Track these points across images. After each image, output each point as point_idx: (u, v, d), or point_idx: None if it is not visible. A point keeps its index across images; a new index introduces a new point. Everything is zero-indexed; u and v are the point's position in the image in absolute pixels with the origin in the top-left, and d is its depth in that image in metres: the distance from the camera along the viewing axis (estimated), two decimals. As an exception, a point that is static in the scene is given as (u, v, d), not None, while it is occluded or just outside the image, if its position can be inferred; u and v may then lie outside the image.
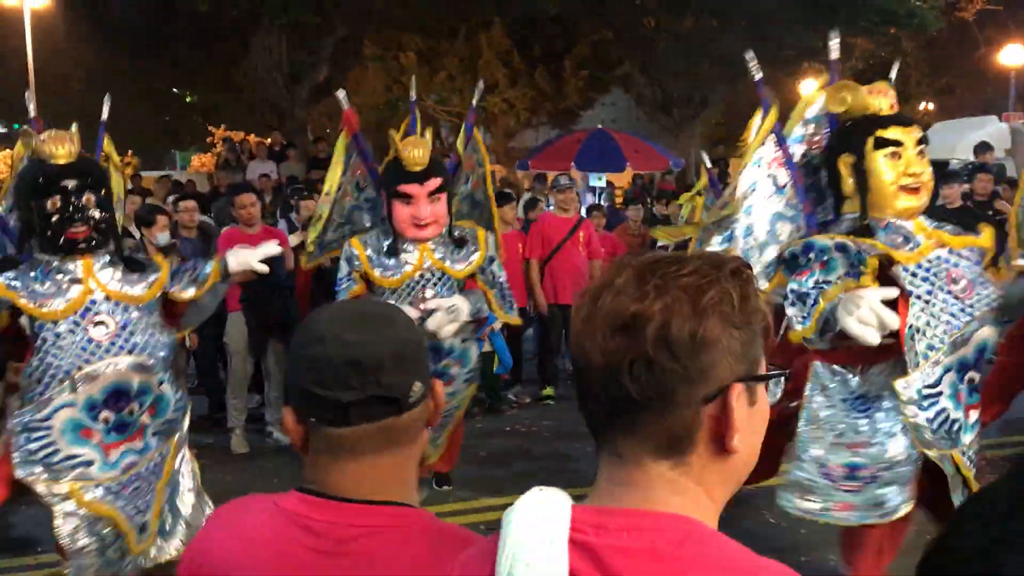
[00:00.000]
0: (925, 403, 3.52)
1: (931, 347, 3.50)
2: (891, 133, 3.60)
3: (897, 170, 3.58)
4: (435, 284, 5.08)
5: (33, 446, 3.65)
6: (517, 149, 21.24)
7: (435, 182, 4.99)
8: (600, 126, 17.42)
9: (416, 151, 4.96)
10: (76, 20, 16.65)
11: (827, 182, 3.82)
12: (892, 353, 3.49)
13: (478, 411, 7.40)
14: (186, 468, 4.05)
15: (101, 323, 3.72)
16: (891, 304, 3.36)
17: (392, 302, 4.83)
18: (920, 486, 3.65)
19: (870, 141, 3.61)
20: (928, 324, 3.49)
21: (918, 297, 3.50)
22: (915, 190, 3.59)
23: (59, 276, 3.72)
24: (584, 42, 19.47)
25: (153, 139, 22.18)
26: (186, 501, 4.03)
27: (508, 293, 5.36)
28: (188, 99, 21.89)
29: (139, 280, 3.84)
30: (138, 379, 3.69)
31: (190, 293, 3.99)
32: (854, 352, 3.49)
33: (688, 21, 16.95)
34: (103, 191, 3.80)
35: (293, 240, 7.13)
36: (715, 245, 3.96)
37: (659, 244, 5.74)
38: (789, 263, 3.64)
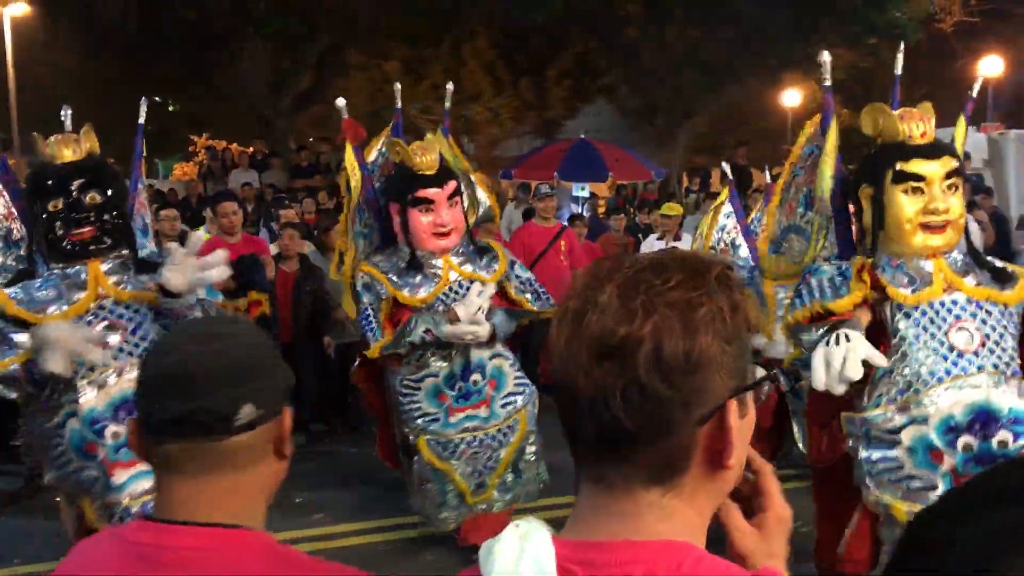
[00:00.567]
0: (873, 442, 3.30)
1: (900, 392, 3.28)
2: (913, 166, 3.32)
3: (917, 207, 3.31)
4: (465, 296, 4.66)
5: (53, 454, 3.53)
6: (501, 158, 21.25)
7: (452, 185, 4.68)
8: (583, 136, 17.48)
9: (427, 156, 4.65)
10: (58, 27, 16.57)
11: (853, 212, 3.61)
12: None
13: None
14: None
15: (111, 327, 3.55)
16: (874, 343, 3.20)
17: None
18: None
19: (889, 174, 3.35)
20: (907, 368, 3.28)
21: (902, 338, 3.29)
22: (939, 228, 3.33)
23: (64, 281, 3.55)
24: (568, 52, 19.53)
25: (134, 147, 22.05)
26: None
27: (541, 289, 5.00)
28: (171, 108, 21.81)
29: (150, 281, 3.61)
30: None
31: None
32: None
33: (672, 31, 17.04)
34: (111, 190, 3.62)
35: (273, 249, 7.12)
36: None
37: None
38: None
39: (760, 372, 1.04)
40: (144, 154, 4.32)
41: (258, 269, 6.69)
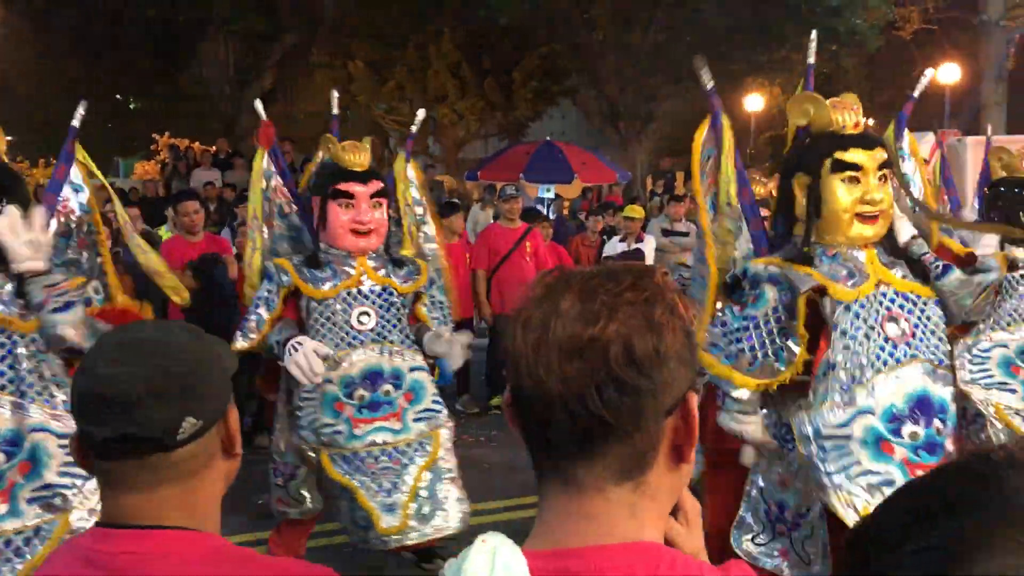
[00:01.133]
0: (827, 443, 3.24)
1: (844, 387, 3.26)
2: (851, 155, 3.29)
3: (854, 196, 3.28)
4: (374, 302, 4.48)
5: None
6: (466, 159, 21.27)
7: (378, 184, 4.47)
8: (549, 138, 17.53)
9: (357, 154, 4.46)
10: (19, 25, 16.31)
11: (779, 200, 3.55)
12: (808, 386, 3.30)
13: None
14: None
15: None
16: (814, 338, 3.23)
17: (328, 318, 4.40)
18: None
19: (827, 163, 3.30)
20: (848, 361, 3.26)
21: (843, 332, 3.27)
22: (872, 218, 3.31)
23: None
24: (533, 54, 19.58)
25: (96, 146, 21.78)
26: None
27: (449, 318, 4.83)
28: (132, 106, 21.55)
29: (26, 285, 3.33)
30: None
31: None
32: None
33: (636, 35, 17.15)
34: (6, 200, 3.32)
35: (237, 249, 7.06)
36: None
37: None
38: (730, 286, 3.47)
39: None
40: (77, 157, 4.12)
41: (219, 268, 6.63)
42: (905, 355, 3.30)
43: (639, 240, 9.02)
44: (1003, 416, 3.81)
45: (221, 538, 1.31)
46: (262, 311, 4.36)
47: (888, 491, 3.03)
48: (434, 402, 4.52)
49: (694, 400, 1.02)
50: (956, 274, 3.44)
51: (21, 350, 3.30)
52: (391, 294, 4.51)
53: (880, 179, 3.32)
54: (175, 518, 1.27)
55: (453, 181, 18.19)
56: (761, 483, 3.50)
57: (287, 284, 4.38)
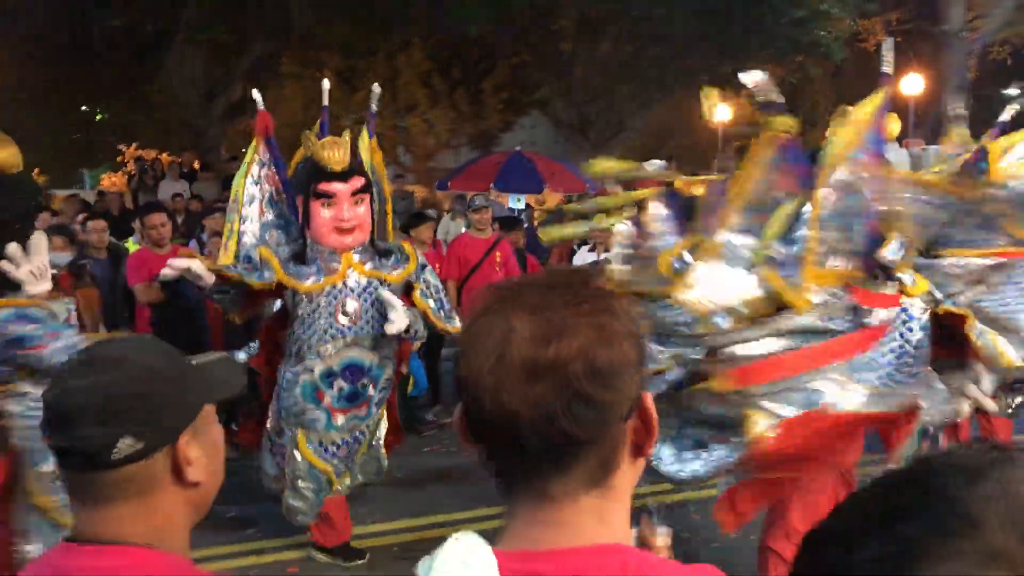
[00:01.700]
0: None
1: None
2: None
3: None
4: (360, 295, 4.60)
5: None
6: (437, 169, 21.24)
7: (359, 181, 4.55)
8: (519, 148, 17.56)
9: (336, 151, 4.52)
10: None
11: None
12: None
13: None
14: None
15: None
16: None
17: (312, 312, 4.59)
18: None
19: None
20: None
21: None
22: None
23: None
24: (503, 65, 19.63)
25: (62, 157, 21.54)
26: None
27: (447, 302, 4.99)
28: (99, 117, 21.32)
29: None
30: None
31: None
32: None
33: (605, 46, 17.25)
34: None
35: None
36: None
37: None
38: None
39: None
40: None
41: (188, 281, 6.57)
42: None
43: (607, 250, 9.05)
44: None
45: (182, 558, 1.30)
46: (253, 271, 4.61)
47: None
48: (387, 381, 4.88)
49: (649, 399, 1.04)
50: None
51: None
52: (378, 287, 4.63)
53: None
54: (136, 535, 1.26)
55: (424, 191, 18.17)
56: None
57: (268, 280, 4.54)
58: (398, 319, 4.49)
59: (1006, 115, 4.06)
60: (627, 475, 1.04)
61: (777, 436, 3.23)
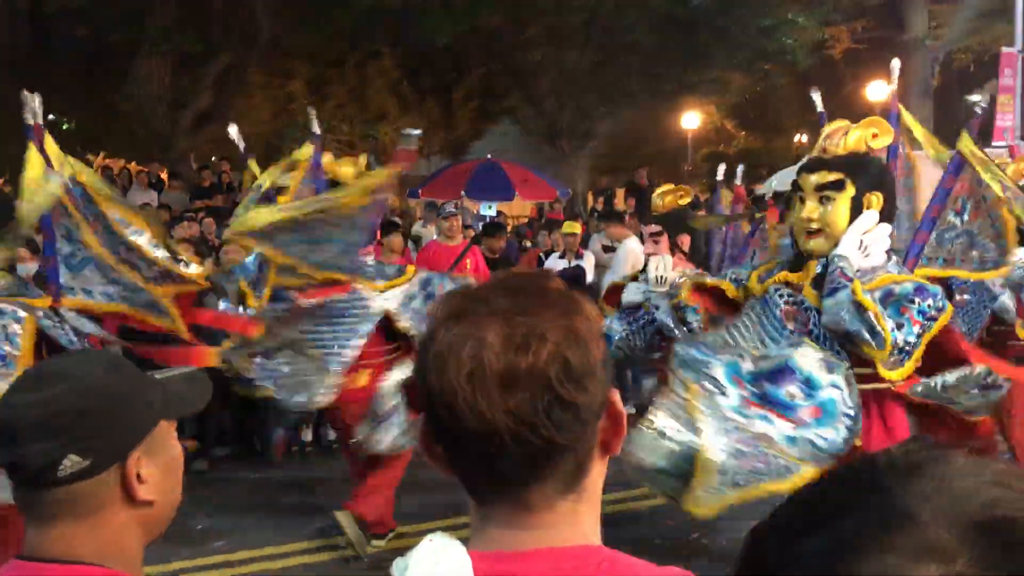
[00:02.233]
0: None
1: None
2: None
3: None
4: None
5: None
6: (408, 177, 21.20)
7: None
8: (489, 156, 17.59)
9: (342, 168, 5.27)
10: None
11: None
12: None
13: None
14: None
15: None
16: None
17: None
18: None
19: None
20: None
21: None
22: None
23: None
24: (473, 73, 19.66)
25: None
26: None
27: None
28: (65, 126, 21.09)
29: None
30: None
31: None
32: None
33: (573, 55, 17.32)
34: None
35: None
36: None
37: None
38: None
39: None
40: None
41: (156, 291, 6.50)
42: None
43: (579, 256, 9.09)
44: None
45: None
46: None
47: None
48: None
49: (616, 395, 1.04)
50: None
51: None
52: None
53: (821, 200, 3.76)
54: (83, 553, 1.24)
55: (396, 199, 18.13)
56: None
57: None
58: None
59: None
60: (597, 474, 1.05)
61: None
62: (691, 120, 22.00)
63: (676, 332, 4.37)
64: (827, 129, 3.84)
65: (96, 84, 16.50)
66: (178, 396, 1.36)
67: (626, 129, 19.64)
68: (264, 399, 5.17)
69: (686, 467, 3.51)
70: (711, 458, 3.47)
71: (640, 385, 7.96)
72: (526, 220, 15.68)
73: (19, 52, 15.15)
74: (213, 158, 18.15)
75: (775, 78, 18.19)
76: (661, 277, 5.20)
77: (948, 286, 4.66)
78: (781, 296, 3.84)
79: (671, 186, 5.99)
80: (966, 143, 3.99)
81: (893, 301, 3.56)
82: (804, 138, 25.60)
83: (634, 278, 5.43)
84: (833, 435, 3.54)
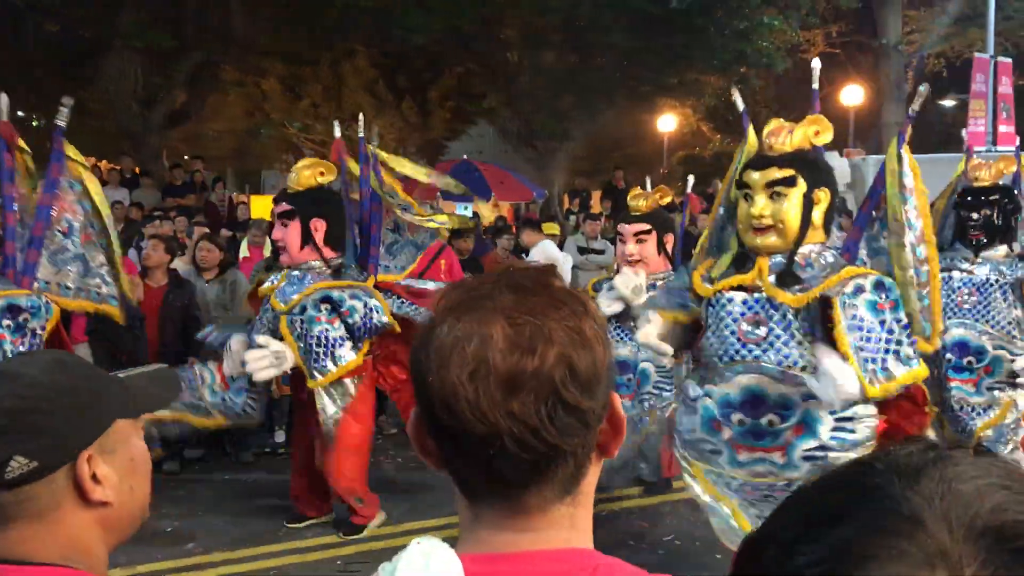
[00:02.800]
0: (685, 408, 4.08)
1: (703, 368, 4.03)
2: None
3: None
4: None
5: None
6: (383, 179, 21.13)
7: (281, 207, 5.25)
8: (465, 157, 17.57)
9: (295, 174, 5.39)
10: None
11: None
12: None
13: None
14: None
15: None
16: None
17: None
18: None
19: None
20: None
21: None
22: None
23: None
24: (450, 74, 19.62)
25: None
26: None
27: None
28: (35, 123, 20.87)
29: None
30: None
31: None
32: None
33: (550, 57, 17.34)
34: None
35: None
36: None
37: None
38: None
39: None
40: (68, 154, 4.43)
41: (125, 289, 6.42)
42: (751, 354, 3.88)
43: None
44: None
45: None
46: None
47: (715, 458, 3.88)
48: None
49: (616, 399, 1.02)
50: None
51: None
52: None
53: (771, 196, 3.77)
54: (44, 554, 1.21)
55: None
56: None
57: None
58: (226, 358, 5.10)
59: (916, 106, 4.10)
60: (592, 477, 1.03)
61: None
62: (667, 123, 22.09)
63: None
64: (769, 127, 3.86)
65: (67, 80, 16.33)
66: (142, 394, 1.33)
67: (603, 131, 19.69)
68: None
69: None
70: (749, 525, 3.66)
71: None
72: (490, 223, 15.69)
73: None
74: (186, 156, 18.01)
75: (751, 81, 18.29)
76: (637, 287, 5.16)
77: None
78: (736, 306, 3.83)
79: (639, 190, 5.90)
80: (892, 150, 3.99)
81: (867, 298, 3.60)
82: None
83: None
84: (844, 435, 3.64)
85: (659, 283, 5.09)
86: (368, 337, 5.20)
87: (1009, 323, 4.93)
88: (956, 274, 5.03)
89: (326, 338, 5.07)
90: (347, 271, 5.31)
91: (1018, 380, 4.86)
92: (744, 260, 3.83)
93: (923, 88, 4.11)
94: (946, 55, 20.65)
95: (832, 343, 3.57)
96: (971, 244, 5.13)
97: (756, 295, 3.78)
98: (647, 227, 5.48)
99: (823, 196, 3.77)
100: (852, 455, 3.54)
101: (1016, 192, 5.27)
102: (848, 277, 3.63)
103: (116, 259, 4.69)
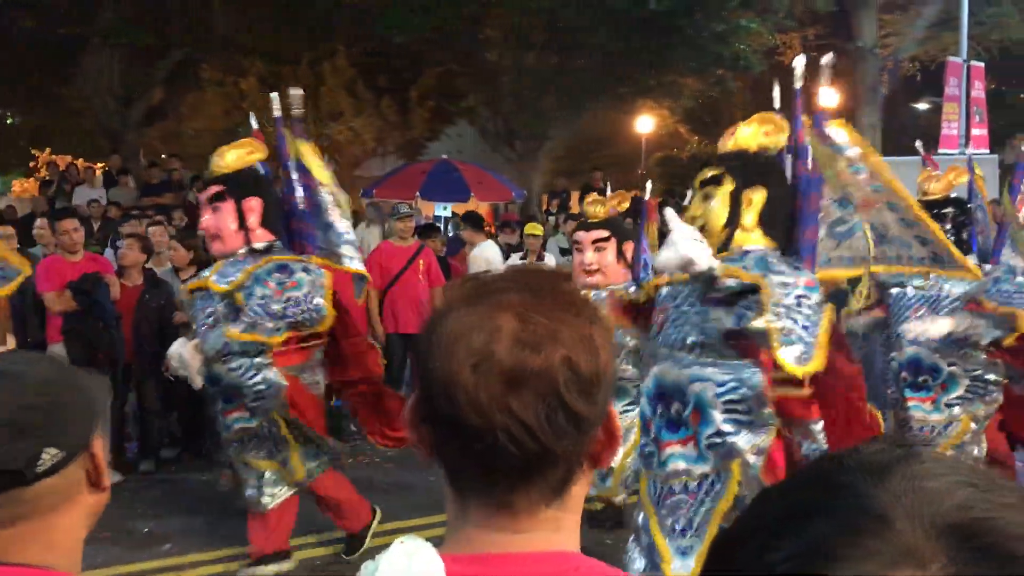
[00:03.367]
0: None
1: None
2: None
3: None
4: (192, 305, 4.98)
5: None
6: (363, 178, 21.07)
7: (211, 189, 4.84)
8: (445, 156, 17.54)
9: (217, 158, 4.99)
10: None
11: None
12: None
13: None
14: None
15: None
16: None
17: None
18: None
19: None
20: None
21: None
22: None
23: None
24: (430, 73, 19.58)
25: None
26: None
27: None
28: (10, 120, 20.67)
29: None
30: None
31: None
32: None
33: (531, 57, 17.35)
34: None
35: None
36: None
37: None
38: None
39: None
40: None
41: (101, 288, 6.41)
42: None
43: (540, 258, 9.11)
44: None
45: None
46: None
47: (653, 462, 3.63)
48: None
49: (614, 410, 1.02)
50: None
51: None
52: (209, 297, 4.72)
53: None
54: (32, 554, 1.23)
55: (350, 200, 18.00)
56: None
57: None
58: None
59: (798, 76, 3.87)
60: (583, 484, 1.02)
61: None
62: (645, 124, 22.15)
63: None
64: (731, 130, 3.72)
65: (44, 77, 16.18)
66: (97, 385, 1.38)
67: (582, 132, 19.72)
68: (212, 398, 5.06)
69: None
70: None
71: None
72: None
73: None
74: (163, 155, 17.89)
75: (728, 83, 18.37)
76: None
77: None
78: (660, 298, 3.73)
79: (595, 195, 5.55)
80: (807, 134, 3.70)
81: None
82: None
83: None
84: (737, 416, 3.45)
85: (618, 294, 4.73)
86: (296, 319, 4.64)
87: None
88: (910, 290, 4.89)
89: (262, 304, 4.55)
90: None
91: (977, 390, 4.76)
92: None
93: (827, 59, 3.90)
94: (920, 59, 20.81)
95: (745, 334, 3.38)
96: None
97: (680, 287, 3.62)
98: (605, 234, 5.16)
99: (755, 197, 3.56)
100: (750, 436, 3.42)
101: (967, 204, 5.11)
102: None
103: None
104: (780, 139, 3.74)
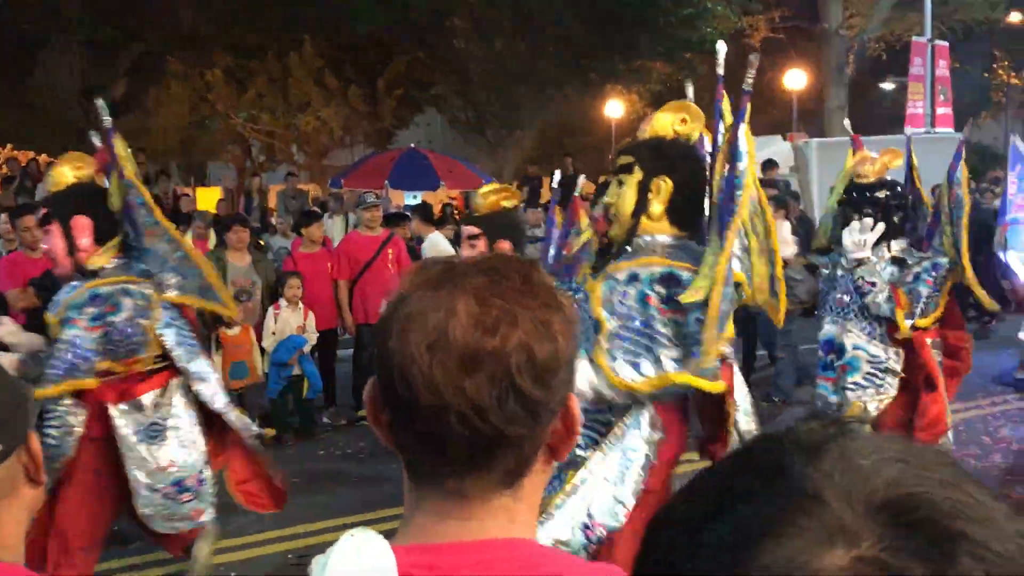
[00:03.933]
0: None
1: None
2: None
3: None
4: None
5: None
6: (331, 168, 20.96)
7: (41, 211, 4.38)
8: (413, 146, 17.49)
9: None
10: None
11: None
12: None
13: (291, 436, 7.26)
14: None
15: None
16: None
17: None
18: None
19: None
20: None
21: None
22: None
23: None
24: (398, 62, 19.49)
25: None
26: None
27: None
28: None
29: None
30: None
31: None
32: None
33: (499, 44, 17.31)
34: None
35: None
36: None
37: None
38: None
39: None
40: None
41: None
42: None
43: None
44: None
45: (22, 569, 1.28)
46: None
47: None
48: None
49: (574, 400, 1.01)
50: None
51: None
52: None
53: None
54: None
55: (318, 190, 17.89)
56: None
57: None
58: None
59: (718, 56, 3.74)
60: (539, 477, 1.01)
61: None
62: (615, 109, 22.18)
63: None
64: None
65: (7, 74, 15.93)
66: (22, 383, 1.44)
67: (553, 119, 19.73)
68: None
69: None
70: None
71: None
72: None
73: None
74: (128, 149, 17.65)
75: (696, 67, 18.44)
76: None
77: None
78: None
79: (496, 185, 5.29)
80: (728, 125, 3.57)
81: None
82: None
83: None
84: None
85: None
86: (120, 349, 4.04)
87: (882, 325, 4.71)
88: (839, 272, 4.84)
89: (73, 345, 3.92)
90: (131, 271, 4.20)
91: (873, 379, 4.73)
92: (609, 250, 3.61)
93: (753, 57, 3.75)
94: (886, 39, 20.98)
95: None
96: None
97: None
98: (475, 231, 4.55)
99: (662, 185, 3.48)
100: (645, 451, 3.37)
101: (899, 187, 4.99)
102: (637, 266, 3.43)
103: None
104: (695, 128, 3.68)
